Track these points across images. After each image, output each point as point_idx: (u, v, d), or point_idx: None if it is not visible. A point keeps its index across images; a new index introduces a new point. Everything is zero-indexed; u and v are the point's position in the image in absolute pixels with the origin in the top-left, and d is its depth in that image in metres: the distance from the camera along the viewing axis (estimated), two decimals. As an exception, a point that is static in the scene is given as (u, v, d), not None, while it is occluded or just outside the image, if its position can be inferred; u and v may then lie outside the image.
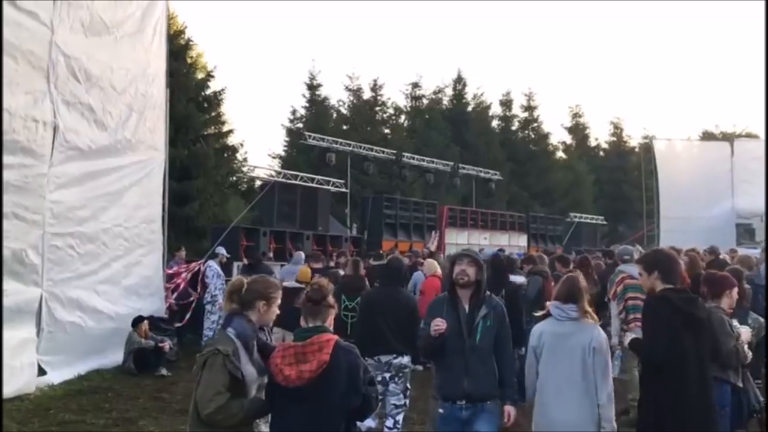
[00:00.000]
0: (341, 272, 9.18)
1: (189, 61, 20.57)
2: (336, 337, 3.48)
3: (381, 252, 14.01)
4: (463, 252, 4.67)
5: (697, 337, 4.19)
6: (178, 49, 18.89)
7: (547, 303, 4.64)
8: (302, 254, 11.84)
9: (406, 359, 5.87)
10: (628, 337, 4.77)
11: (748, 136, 38.96)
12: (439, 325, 4.29)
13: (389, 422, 5.94)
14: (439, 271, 8.24)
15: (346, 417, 3.42)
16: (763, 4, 33.47)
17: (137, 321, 9.95)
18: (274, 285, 3.81)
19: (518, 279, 8.31)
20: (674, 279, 4.36)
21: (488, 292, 4.56)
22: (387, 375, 5.87)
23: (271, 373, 3.45)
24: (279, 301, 3.74)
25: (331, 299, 3.58)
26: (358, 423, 5.79)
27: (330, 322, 3.55)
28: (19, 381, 7.92)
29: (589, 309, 4.42)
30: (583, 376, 4.21)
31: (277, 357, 3.44)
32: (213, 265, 11.86)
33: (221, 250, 12.44)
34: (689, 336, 4.16)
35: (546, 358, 4.32)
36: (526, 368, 4.52)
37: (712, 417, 4.20)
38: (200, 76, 21.17)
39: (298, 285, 8.79)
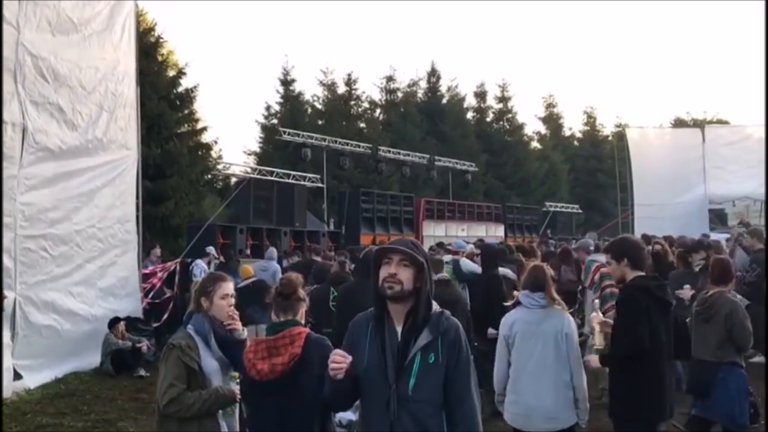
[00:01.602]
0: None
1: (160, 58, 20.39)
2: (307, 330, 3.48)
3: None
4: (391, 244, 2.88)
5: (667, 322, 4.33)
6: (148, 46, 18.72)
7: (515, 292, 4.70)
8: (274, 250, 11.92)
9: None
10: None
11: (719, 122, 39.52)
12: (337, 362, 2.72)
13: (369, 414, 5.95)
14: None
15: (320, 409, 3.37)
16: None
17: (113, 322, 9.87)
18: (212, 279, 3.93)
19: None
20: (643, 265, 4.47)
21: (438, 308, 2.85)
22: (366, 368, 5.88)
23: (245, 368, 3.43)
24: (221, 293, 3.79)
25: (301, 292, 3.55)
26: (339, 416, 5.85)
27: (301, 315, 3.54)
28: (-5, 386, 7.83)
29: (557, 296, 4.49)
30: (556, 362, 4.27)
31: (249, 352, 3.44)
32: (200, 263, 11.90)
33: (211, 250, 12.52)
34: (662, 322, 4.29)
35: (519, 346, 4.36)
36: (496, 359, 4.52)
37: (671, 399, 4.38)
38: (171, 73, 20.98)
39: (245, 283, 9.13)
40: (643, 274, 4.41)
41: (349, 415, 5.90)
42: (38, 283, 8.91)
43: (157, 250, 12.99)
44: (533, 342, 4.32)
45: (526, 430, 4.35)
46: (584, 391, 4.34)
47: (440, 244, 12.88)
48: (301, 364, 3.30)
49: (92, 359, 9.69)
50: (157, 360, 10.02)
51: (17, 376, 8.34)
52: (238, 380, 3.72)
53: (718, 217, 26.32)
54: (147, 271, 11.88)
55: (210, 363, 3.67)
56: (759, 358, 7.74)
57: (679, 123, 43.25)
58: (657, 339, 4.23)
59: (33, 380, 8.57)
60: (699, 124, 34.44)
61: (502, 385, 4.44)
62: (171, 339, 3.69)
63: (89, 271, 9.98)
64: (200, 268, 11.70)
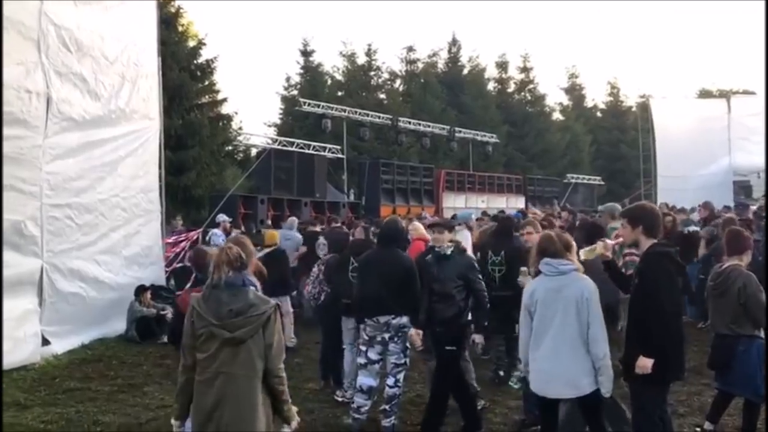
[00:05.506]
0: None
1: (180, 29, 20.37)
2: None
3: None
4: None
5: (680, 285, 4.53)
6: (168, 17, 18.70)
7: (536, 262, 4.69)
8: (295, 220, 11.95)
9: (404, 319, 5.91)
10: None
11: (745, 93, 38.69)
12: None
13: (390, 380, 6.01)
14: (425, 234, 8.25)
15: None
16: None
17: (140, 290, 10.03)
18: (243, 242, 4.06)
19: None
20: (657, 233, 4.47)
21: None
22: (386, 335, 5.92)
23: None
24: (255, 254, 4.02)
25: None
26: (360, 381, 5.94)
27: None
28: (24, 351, 8.03)
29: (574, 258, 4.47)
30: (577, 329, 4.27)
31: None
32: (218, 232, 11.98)
33: (222, 217, 12.50)
34: (680, 284, 4.48)
35: (540, 313, 4.37)
36: (520, 329, 4.56)
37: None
38: (192, 44, 20.99)
39: (269, 250, 9.04)
40: (656, 241, 4.42)
41: (370, 381, 5.99)
42: (64, 251, 9.06)
43: (179, 220, 13.12)
44: (554, 309, 4.32)
45: (546, 395, 4.40)
46: (605, 358, 4.25)
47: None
48: None
49: (117, 326, 9.88)
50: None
51: (45, 341, 8.53)
52: None
53: (743, 189, 25.89)
54: (171, 240, 12.01)
55: None
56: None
57: (704, 94, 42.45)
58: (677, 301, 4.43)
59: (60, 346, 8.77)
60: (725, 95, 33.74)
61: (528, 355, 4.45)
62: (266, 300, 3.67)
63: (114, 240, 10.12)
64: (219, 236, 11.80)
